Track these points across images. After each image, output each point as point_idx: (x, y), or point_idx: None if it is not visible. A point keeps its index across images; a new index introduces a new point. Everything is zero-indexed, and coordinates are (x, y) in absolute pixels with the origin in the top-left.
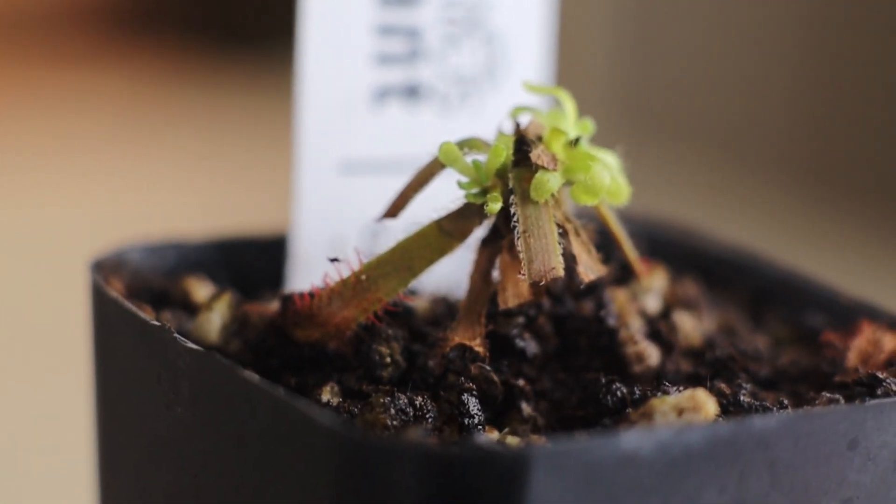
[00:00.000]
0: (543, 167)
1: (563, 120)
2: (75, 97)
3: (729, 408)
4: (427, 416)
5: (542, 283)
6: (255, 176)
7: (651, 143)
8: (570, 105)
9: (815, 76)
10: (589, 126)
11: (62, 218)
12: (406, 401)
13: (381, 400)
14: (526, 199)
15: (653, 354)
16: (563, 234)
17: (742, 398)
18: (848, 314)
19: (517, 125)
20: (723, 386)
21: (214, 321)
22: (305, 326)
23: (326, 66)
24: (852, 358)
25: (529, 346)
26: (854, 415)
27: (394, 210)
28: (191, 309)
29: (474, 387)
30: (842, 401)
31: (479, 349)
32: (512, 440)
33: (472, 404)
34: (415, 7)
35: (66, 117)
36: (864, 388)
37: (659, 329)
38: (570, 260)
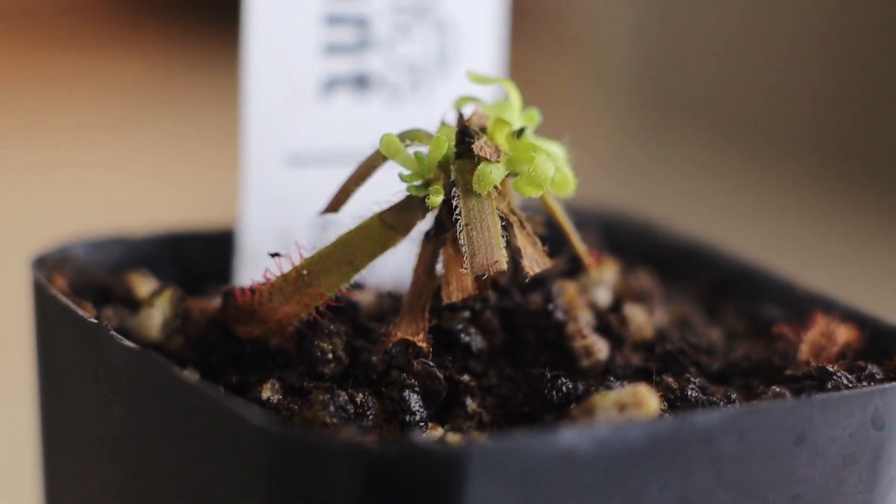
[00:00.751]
0: (486, 159)
1: (507, 110)
2: (89, 83)
3: (676, 402)
4: (368, 413)
5: (486, 276)
6: None
7: (675, 131)
8: (515, 95)
9: (841, 63)
10: (535, 116)
11: (66, 205)
12: (346, 398)
13: (321, 397)
14: (468, 191)
15: (602, 348)
16: (508, 226)
17: (690, 393)
18: (805, 306)
19: (460, 116)
20: (670, 380)
21: (155, 318)
22: (247, 323)
23: (272, 56)
24: (805, 351)
25: (475, 340)
26: (800, 409)
27: (335, 204)
28: (134, 305)
29: (416, 383)
30: (788, 395)
31: (422, 345)
32: (453, 437)
33: (414, 401)
34: None
35: (82, 102)
36: (813, 381)
37: (609, 322)
38: (516, 253)
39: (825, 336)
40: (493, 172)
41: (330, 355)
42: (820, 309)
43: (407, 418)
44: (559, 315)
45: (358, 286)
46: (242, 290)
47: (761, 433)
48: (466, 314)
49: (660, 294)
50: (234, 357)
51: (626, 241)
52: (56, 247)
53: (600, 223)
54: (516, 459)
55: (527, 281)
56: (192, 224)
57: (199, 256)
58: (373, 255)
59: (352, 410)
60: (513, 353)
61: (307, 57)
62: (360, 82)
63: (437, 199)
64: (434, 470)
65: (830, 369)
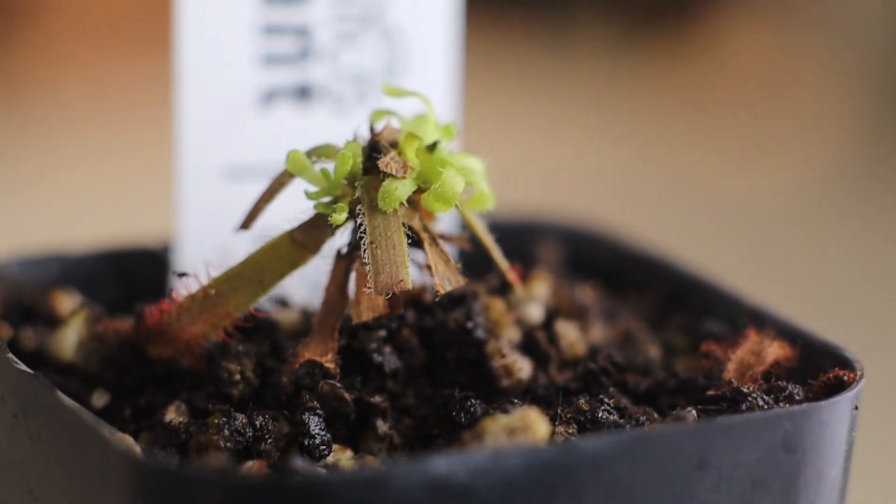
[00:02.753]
0: (392, 175)
1: (422, 125)
2: None
3: (586, 425)
4: (267, 437)
5: (392, 295)
6: None
7: None
8: (430, 108)
9: None
10: (452, 130)
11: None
12: (244, 421)
13: (216, 421)
14: (374, 208)
15: (523, 367)
16: (417, 243)
17: (601, 415)
18: (748, 321)
19: (371, 131)
20: (581, 402)
21: (70, 338)
22: (157, 343)
23: (206, 68)
24: (731, 369)
25: (388, 360)
26: (700, 434)
27: (247, 222)
28: (58, 324)
29: (317, 406)
30: (692, 418)
31: (330, 365)
32: (347, 462)
33: (314, 424)
34: (302, 5)
35: None
36: (727, 403)
37: (536, 340)
38: (428, 271)
39: (754, 354)
40: (398, 189)
41: (238, 377)
42: (761, 324)
43: (306, 442)
44: (479, 333)
45: (284, 304)
46: (152, 310)
47: (656, 459)
48: (382, 333)
49: (600, 309)
50: (148, 378)
51: (587, 254)
52: None
53: (563, 236)
54: (385, 489)
55: (436, 299)
56: (133, 239)
57: (142, 272)
58: (282, 274)
59: (250, 434)
60: (434, 372)
61: (243, 68)
62: (303, 93)
63: (339, 216)
64: (297, 500)
65: (745, 390)
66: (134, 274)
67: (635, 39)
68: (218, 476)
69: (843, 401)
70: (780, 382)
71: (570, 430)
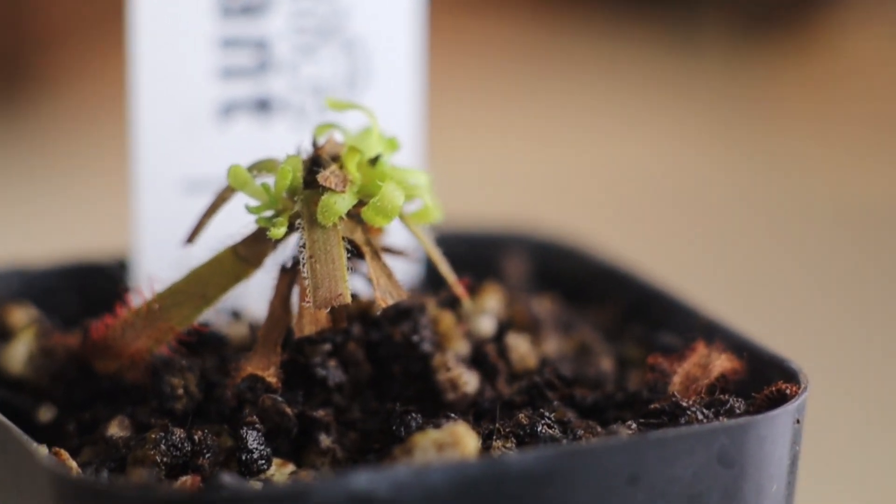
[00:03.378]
0: (331, 189)
1: (366, 138)
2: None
3: (525, 439)
4: (205, 451)
5: (334, 309)
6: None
7: None
8: (374, 121)
9: None
10: (395, 144)
11: None
12: (182, 436)
13: (153, 435)
14: (314, 222)
15: (470, 381)
16: (356, 256)
17: (540, 429)
18: (702, 334)
19: (314, 144)
20: (521, 416)
21: (19, 352)
22: (103, 357)
23: (161, 81)
24: (677, 382)
25: (332, 374)
26: (632, 448)
27: (191, 236)
28: (8, 338)
29: (256, 420)
30: (627, 432)
31: (272, 379)
32: (281, 477)
33: (252, 439)
34: (260, 18)
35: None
36: (665, 417)
37: (485, 353)
38: (369, 284)
39: (700, 367)
40: (337, 203)
41: (181, 391)
42: (714, 336)
43: (244, 457)
44: (425, 346)
45: (237, 316)
46: (98, 324)
47: (588, 474)
48: (327, 347)
49: (556, 321)
50: (95, 393)
51: (554, 266)
52: None
53: (531, 248)
54: None
55: (379, 313)
56: (94, 252)
57: (103, 287)
58: (225, 288)
59: (188, 449)
60: (380, 386)
61: (200, 81)
62: (262, 106)
63: (278, 231)
64: None
65: (683, 404)
66: (95, 288)
67: (756, 38)
68: (140, 492)
69: (781, 414)
70: (721, 396)
71: (508, 445)
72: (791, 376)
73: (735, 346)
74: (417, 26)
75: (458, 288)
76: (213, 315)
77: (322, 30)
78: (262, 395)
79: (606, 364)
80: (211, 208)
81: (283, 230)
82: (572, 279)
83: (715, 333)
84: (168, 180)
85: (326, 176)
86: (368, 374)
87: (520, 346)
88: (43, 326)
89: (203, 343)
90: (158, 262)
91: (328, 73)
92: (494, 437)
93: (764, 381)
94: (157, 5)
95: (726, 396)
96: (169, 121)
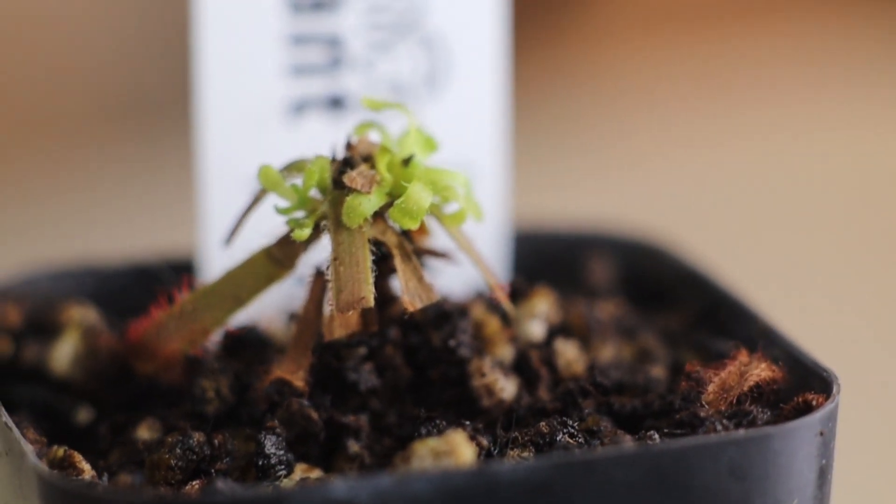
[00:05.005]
0: (357, 190)
1: (404, 138)
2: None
3: (544, 448)
4: (224, 456)
5: (350, 312)
6: None
7: None
8: (412, 121)
9: None
10: (433, 144)
11: None
12: (201, 440)
13: (171, 439)
14: (339, 224)
15: (506, 387)
16: (382, 259)
17: (559, 438)
18: (759, 340)
19: (347, 144)
20: (542, 425)
21: (64, 352)
22: (141, 358)
23: (229, 79)
24: (711, 391)
25: (364, 378)
26: (634, 460)
27: (230, 236)
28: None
29: (276, 425)
30: (630, 442)
31: (299, 383)
32: (288, 483)
33: (270, 444)
34: (333, 13)
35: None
36: (686, 427)
37: (528, 358)
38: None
39: (737, 375)
40: (362, 204)
41: (212, 393)
42: (768, 344)
43: (261, 462)
44: (463, 351)
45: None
46: (136, 325)
47: (583, 486)
48: (363, 351)
49: (616, 326)
50: (133, 394)
51: (637, 268)
52: (18, 275)
53: (614, 249)
54: None
55: (405, 317)
56: (166, 251)
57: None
58: (258, 290)
59: (207, 453)
60: (418, 391)
61: (269, 78)
62: (335, 103)
63: (303, 232)
64: None
65: (702, 414)
66: (162, 286)
67: None
68: (118, 496)
69: (800, 427)
70: (747, 406)
71: (526, 454)
72: (826, 387)
73: (783, 355)
74: (501, 21)
75: (500, 292)
76: (267, 317)
77: (398, 26)
78: (289, 399)
79: (658, 371)
80: (247, 209)
81: (307, 231)
82: (654, 282)
83: (769, 341)
84: (236, 179)
85: (353, 177)
86: (407, 378)
87: (567, 352)
88: (92, 327)
89: (244, 345)
90: (227, 261)
91: (406, 71)
92: (510, 446)
93: (805, 391)
94: (223, 1)
95: (752, 407)
96: (237, 118)
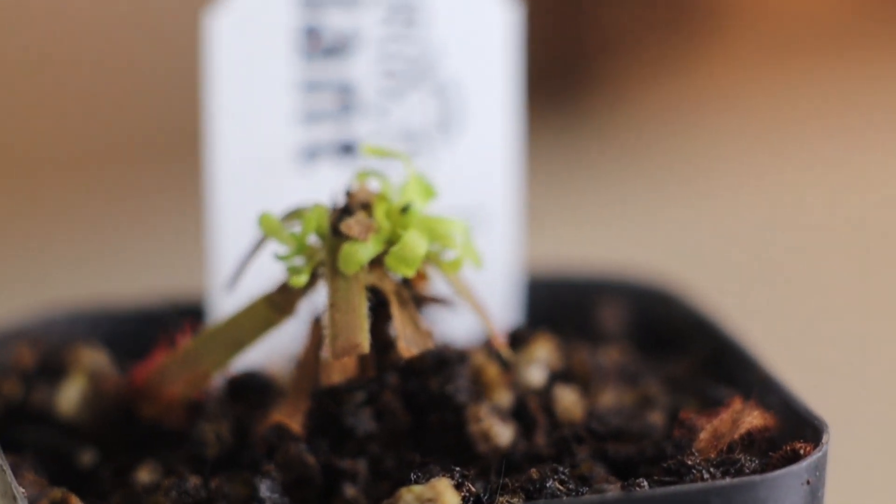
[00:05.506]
0: (353, 238)
1: (407, 187)
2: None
3: (534, 495)
4: (220, 499)
5: (345, 357)
6: None
7: None
8: (411, 169)
9: None
10: (431, 191)
11: None
12: (196, 484)
13: (167, 483)
14: (336, 271)
15: (501, 433)
16: (380, 306)
17: (549, 484)
18: (757, 388)
19: (347, 192)
20: (532, 471)
21: (71, 394)
22: (144, 402)
23: (239, 124)
24: (703, 439)
25: (361, 423)
26: None
27: (231, 281)
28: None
29: (272, 469)
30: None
31: (297, 428)
32: None
33: (265, 487)
34: (344, 60)
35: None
36: (672, 475)
37: (526, 404)
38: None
39: (730, 423)
40: (358, 252)
41: (212, 437)
42: (765, 391)
43: None
44: (460, 397)
45: None
46: (139, 368)
47: None
48: (361, 396)
49: (619, 372)
50: (137, 437)
51: (647, 314)
52: (36, 316)
53: (626, 295)
54: None
55: (402, 363)
56: (177, 295)
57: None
58: (258, 334)
59: (203, 496)
60: (417, 437)
61: (280, 125)
62: (346, 150)
63: (299, 279)
64: None
65: (688, 462)
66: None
67: None
68: None
69: (786, 475)
70: (735, 454)
71: (515, 500)
72: (816, 435)
73: (778, 403)
74: (513, 68)
75: (497, 338)
76: (273, 361)
77: (411, 73)
78: (287, 443)
79: (657, 418)
80: (246, 255)
81: (304, 278)
82: (664, 328)
83: (767, 389)
84: (246, 224)
85: (350, 224)
86: (405, 423)
87: (566, 398)
88: (100, 370)
89: (246, 389)
90: (234, 307)
91: (418, 118)
92: (501, 492)
93: (796, 439)
94: (234, 48)
95: (742, 455)
96: (247, 164)
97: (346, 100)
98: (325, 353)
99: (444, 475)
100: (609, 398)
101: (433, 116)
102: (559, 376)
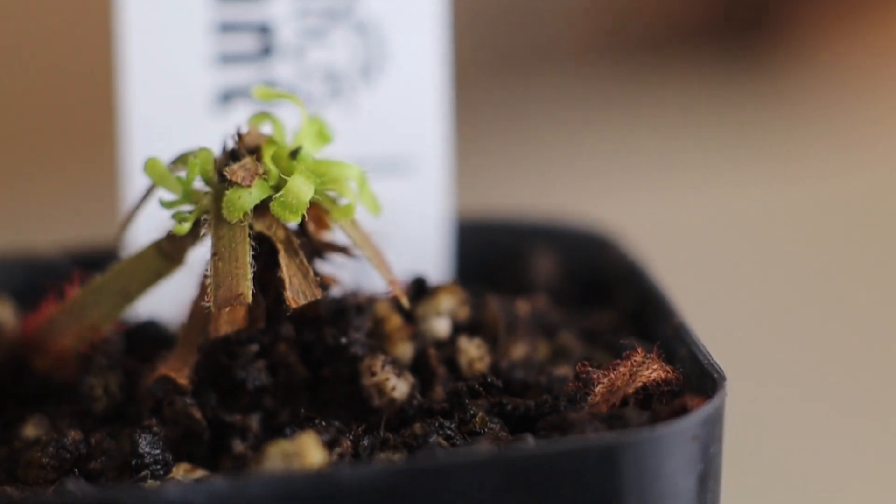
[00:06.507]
0: (237, 184)
1: (300, 131)
2: None
3: (417, 450)
4: (99, 456)
5: (229, 308)
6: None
7: None
8: (304, 112)
9: None
10: (326, 136)
11: None
12: (76, 439)
13: (45, 438)
14: (220, 218)
15: (398, 386)
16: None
17: (432, 440)
18: (671, 338)
19: (237, 136)
20: (416, 426)
21: None
22: (37, 354)
23: (152, 68)
24: (599, 392)
25: (252, 377)
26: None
27: (119, 230)
28: None
29: (153, 424)
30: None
31: (183, 381)
32: (153, 483)
33: (145, 443)
34: (262, 1)
35: None
36: (558, 430)
37: (427, 357)
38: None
39: (627, 376)
40: (242, 198)
41: (100, 391)
42: (677, 343)
43: (134, 462)
44: (356, 349)
45: None
46: (30, 320)
47: (427, 494)
48: (254, 348)
49: (535, 324)
50: (29, 390)
51: (580, 262)
52: None
53: (558, 242)
54: None
55: (288, 314)
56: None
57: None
58: (147, 284)
59: (82, 452)
60: (316, 390)
61: (195, 68)
62: None
63: (182, 227)
64: None
65: (572, 417)
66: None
67: None
68: None
69: (671, 432)
70: (623, 409)
71: (397, 456)
72: (714, 389)
73: (687, 355)
74: (439, 7)
75: (395, 287)
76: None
77: (330, 12)
78: (172, 397)
79: (565, 371)
80: (138, 203)
81: (187, 226)
82: (597, 276)
83: (678, 339)
84: None
85: (234, 170)
86: (301, 376)
87: (470, 350)
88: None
89: (139, 340)
90: None
91: (340, 59)
92: (385, 448)
93: (700, 393)
94: None
95: (627, 409)
96: (161, 108)
97: (264, 41)
98: (208, 302)
99: (314, 431)
100: (521, 351)
101: (356, 57)
102: (465, 328)
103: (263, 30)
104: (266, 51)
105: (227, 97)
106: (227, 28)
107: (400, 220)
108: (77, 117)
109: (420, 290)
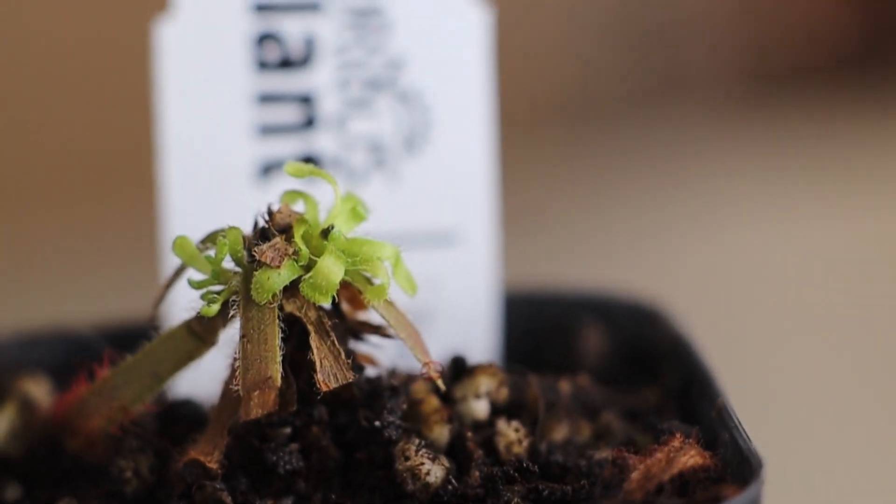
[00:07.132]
0: (266, 264)
1: (337, 209)
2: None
3: None
4: None
5: (258, 391)
6: None
7: None
8: (337, 190)
9: None
10: (361, 214)
11: None
12: None
13: None
14: (249, 299)
15: (432, 471)
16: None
17: None
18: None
19: (269, 214)
20: None
21: (1, 426)
22: (68, 434)
23: (191, 139)
24: (635, 479)
25: (284, 460)
26: None
27: (153, 307)
28: None
29: None
30: None
31: (213, 465)
32: None
33: None
34: (303, 71)
35: None
36: None
37: (463, 440)
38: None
39: (664, 462)
40: (270, 279)
41: (129, 473)
42: (714, 427)
43: None
44: (390, 432)
45: None
46: (62, 400)
47: None
48: (287, 431)
49: (576, 405)
50: (61, 470)
51: (629, 336)
52: None
53: (607, 317)
54: None
55: (320, 396)
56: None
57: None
58: (178, 366)
59: None
60: (350, 473)
61: (236, 140)
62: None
63: (210, 308)
64: None
65: None
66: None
67: None
68: None
69: None
70: (661, 497)
71: None
72: (748, 479)
73: (728, 439)
74: (485, 75)
75: (431, 369)
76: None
77: (373, 82)
78: (201, 483)
79: (606, 454)
80: (168, 281)
81: (216, 307)
82: (646, 352)
83: (720, 422)
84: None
85: (263, 251)
86: (335, 460)
87: (509, 433)
88: (31, 401)
89: (172, 422)
90: None
91: (383, 130)
92: None
93: (739, 478)
94: (184, 57)
95: (661, 497)
96: (201, 182)
97: (307, 112)
98: (237, 385)
99: None
100: (562, 432)
101: (400, 127)
102: (505, 409)
103: (305, 100)
104: (308, 122)
105: (269, 169)
106: (268, 99)
107: (446, 293)
108: (121, 194)
109: (459, 370)
